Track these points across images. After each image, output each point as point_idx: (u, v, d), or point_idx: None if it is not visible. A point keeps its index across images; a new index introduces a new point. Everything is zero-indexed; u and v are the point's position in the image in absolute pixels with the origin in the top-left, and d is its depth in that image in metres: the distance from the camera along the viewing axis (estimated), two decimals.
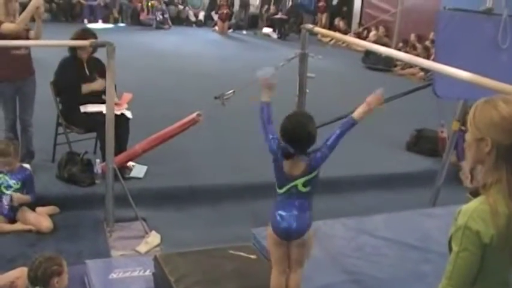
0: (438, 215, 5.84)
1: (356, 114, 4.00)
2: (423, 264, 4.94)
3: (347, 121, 3.99)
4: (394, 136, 9.25)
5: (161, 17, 20.22)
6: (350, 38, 6.12)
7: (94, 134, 7.13)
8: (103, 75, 5.89)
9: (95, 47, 6.97)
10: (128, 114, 7.00)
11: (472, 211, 2.37)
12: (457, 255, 2.39)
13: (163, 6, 20.68)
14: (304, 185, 3.95)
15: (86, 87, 6.96)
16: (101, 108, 6.58)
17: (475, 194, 2.53)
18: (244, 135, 8.95)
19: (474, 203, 2.40)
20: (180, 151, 7.79)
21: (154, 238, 5.87)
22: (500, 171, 2.36)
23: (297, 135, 3.90)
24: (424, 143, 8.99)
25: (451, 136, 6.69)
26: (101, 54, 6.55)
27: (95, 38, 6.65)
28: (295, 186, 3.97)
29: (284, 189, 4.03)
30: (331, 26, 20.87)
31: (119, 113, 6.51)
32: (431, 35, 14.97)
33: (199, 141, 8.22)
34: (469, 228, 2.34)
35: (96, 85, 6.95)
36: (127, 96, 7.26)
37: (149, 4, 20.28)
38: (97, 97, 6.96)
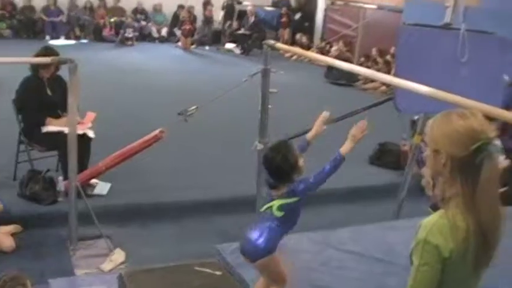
0: (402, 227, 5.88)
1: (343, 150, 4.07)
2: (388, 277, 4.96)
3: (336, 158, 4.03)
4: (358, 150, 9.15)
5: (131, 34, 20.15)
6: (311, 54, 6.15)
7: (57, 152, 7.06)
8: (65, 94, 5.83)
9: (57, 66, 6.90)
10: (90, 133, 6.95)
11: (431, 225, 2.41)
12: (417, 269, 2.43)
13: (134, 23, 20.64)
14: (279, 208, 3.96)
15: (47, 126, 6.91)
16: (62, 128, 6.53)
17: (435, 207, 2.58)
18: (207, 151, 8.96)
19: (433, 217, 2.45)
20: (144, 168, 7.76)
21: (118, 256, 5.83)
22: (456, 185, 2.41)
23: (268, 169, 3.98)
24: (386, 156, 9.08)
25: (413, 149, 6.75)
26: (64, 71, 6.51)
27: (55, 54, 6.62)
28: (271, 207, 3.99)
29: (263, 208, 4.07)
30: (294, 41, 21.00)
31: (81, 132, 6.46)
32: (392, 50, 15.13)
33: (163, 158, 8.19)
34: (429, 243, 2.38)
35: (60, 123, 6.87)
36: (91, 115, 7.22)
37: (113, 20, 20.21)
38: (54, 112, 6.93)
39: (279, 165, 3.89)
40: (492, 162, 2.38)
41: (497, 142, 7.74)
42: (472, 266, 2.44)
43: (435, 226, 2.41)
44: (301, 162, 3.97)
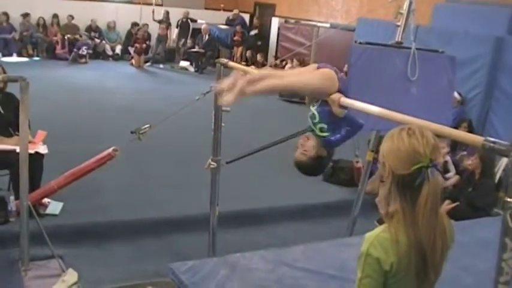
0: (355, 244, 5.86)
1: None
2: None
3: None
4: None
5: (85, 51, 19.97)
6: None
7: (7, 171, 6.96)
8: (17, 111, 5.76)
9: (5, 83, 6.80)
10: (43, 149, 6.87)
11: (373, 238, 2.48)
12: (360, 281, 2.50)
13: (89, 41, 20.48)
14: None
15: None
16: (14, 146, 6.45)
17: (381, 221, 2.63)
18: (161, 170, 8.93)
19: (376, 231, 2.52)
20: (97, 187, 7.70)
21: (71, 276, 5.76)
22: (396, 201, 2.48)
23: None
24: (340, 173, 9.16)
25: (366, 166, 6.81)
26: (16, 89, 6.43)
27: (3, 71, 6.55)
28: None
29: None
30: (247, 59, 21.08)
31: (32, 151, 6.39)
32: (345, 68, 15.25)
33: (117, 177, 8.14)
34: (370, 255, 2.45)
35: (12, 142, 6.77)
36: (41, 134, 7.15)
37: (72, 37, 20.04)
38: (6, 130, 6.83)
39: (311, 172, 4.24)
40: (431, 184, 2.44)
41: (447, 159, 7.82)
42: (415, 280, 2.49)
43: (376, 239, 2.47)
44: (322, 152, 4.23)
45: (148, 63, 20.76)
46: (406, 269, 2.45)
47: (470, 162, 8.00)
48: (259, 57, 20.91)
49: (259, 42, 22.10)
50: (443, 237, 2.51)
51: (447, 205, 7.59)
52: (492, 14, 12.84)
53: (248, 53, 21.52)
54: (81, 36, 20.46)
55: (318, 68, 4.25)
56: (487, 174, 7.91)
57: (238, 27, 22.01)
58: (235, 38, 21.86)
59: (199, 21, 21.99)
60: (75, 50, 19.94)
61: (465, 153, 7.82)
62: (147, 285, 4.88)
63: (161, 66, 20.98)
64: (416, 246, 2.44)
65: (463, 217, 6.77)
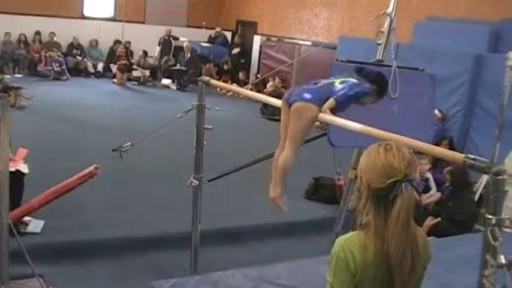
0: None
1: None
2: None
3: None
4: (293, 185, 9.28)
5: (59, 68, 19.85)
6: (245, 91, 6.19)
7: None
8: None
9: None
10: (24, 169, 6.84)
11: (343, 242, 2.56)
12: (330, 284, 2.58)
13: (61, 57, 20.37)
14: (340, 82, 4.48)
15: None
16: None
17: None
18: (143, 187, 8.90)
19: (348, 235, 2.61)
20: (78, 205, 7.65)
21: None
22: (370, 213, 2.55)
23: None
24: (322, 190, 9.17)
25: (348, 183, 6.83)
26: None
27: None
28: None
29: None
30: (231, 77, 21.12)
31: (13, 169, 6.35)
32: None
33: (98, 195, 8.10)
34: (339, 257, 2.52)
35: None
36: (22, 152, 7.11)
37: (47, 54, 19.91)
38: None
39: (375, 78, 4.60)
40: (404, 198, 2.48)
41: (428, 176, 7.85)
42: None
43: (346, 243, 2.55)
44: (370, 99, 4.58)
45: (136, 81, 20.74)
46: (372, 279, 2.50)
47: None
48: (241, 75, 20.93)
49: (242, 60, 22.12)
50: (414, 253, 2.51)
51: (430, 221, 7.66)
52: (472, 32, 12.97)
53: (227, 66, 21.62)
54: (49, 52, 20.24)
55: (286, 102, 4.55)
56: (462, 187, 7.93)
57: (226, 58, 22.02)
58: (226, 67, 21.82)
59: (181, 38, 21.99)
60: (49, 67, 19.84)
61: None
62: None
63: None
64: (383, 258, 2.48)
65: (445, 233, 6.80)
